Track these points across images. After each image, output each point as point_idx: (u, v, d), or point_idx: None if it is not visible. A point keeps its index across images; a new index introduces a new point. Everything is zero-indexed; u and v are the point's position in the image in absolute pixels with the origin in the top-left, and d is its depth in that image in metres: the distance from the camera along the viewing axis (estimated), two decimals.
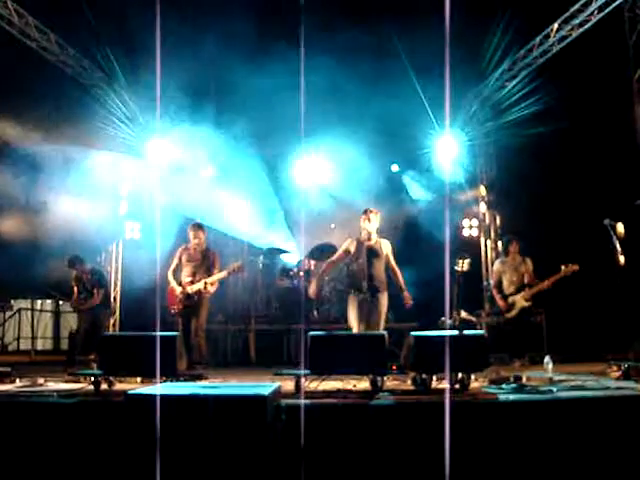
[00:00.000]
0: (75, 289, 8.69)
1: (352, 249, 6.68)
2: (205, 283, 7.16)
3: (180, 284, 7.33)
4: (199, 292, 7.24)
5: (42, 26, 9.37)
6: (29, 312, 11.47)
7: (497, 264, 8.47)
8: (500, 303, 8.07)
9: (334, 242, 10.06)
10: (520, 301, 7.97)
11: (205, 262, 7.38)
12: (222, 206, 11.13)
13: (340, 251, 6.86)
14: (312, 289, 6.87)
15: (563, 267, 7.69)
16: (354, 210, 11.32)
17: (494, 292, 8.21)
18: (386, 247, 6.74)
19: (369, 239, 6.66)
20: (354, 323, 6.54)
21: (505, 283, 8.15)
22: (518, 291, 8.01)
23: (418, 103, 10.17)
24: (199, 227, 7.52)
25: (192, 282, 7.25)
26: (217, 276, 7.28)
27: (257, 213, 11.58)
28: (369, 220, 6.63)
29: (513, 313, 7.98)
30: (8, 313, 11.50)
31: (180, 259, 7.46)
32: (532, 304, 8.06)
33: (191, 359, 7.06)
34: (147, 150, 11.27)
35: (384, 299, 6.59)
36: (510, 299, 8.02)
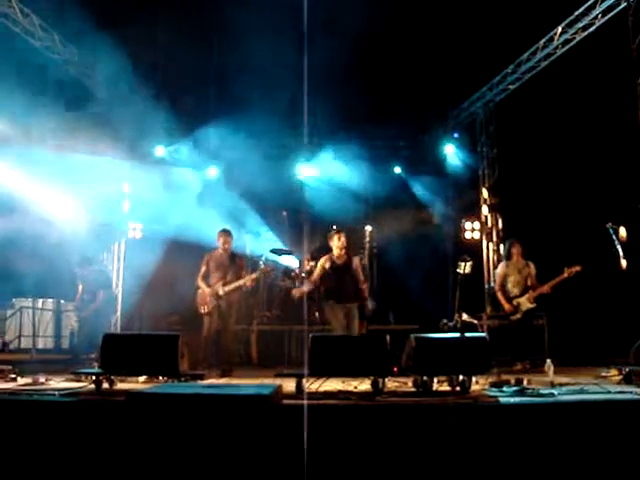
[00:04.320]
0: (80, 288, 8.76)
1: (327, 266, 7.37)
2: (251, 279, 7.55)
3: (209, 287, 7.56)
4: (230, 294, 7.46)
5: (46, 25, 9.39)
6: (30, 310, 11.46)
7: (501, 267, 8.48)
8: (505, 306, 8.07)
9: None
10: (525, 303, 7.98)
11: (233, 266, 7.60)
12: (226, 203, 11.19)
13: (318, 270, 7.49)
14: (298, 292, 7.81)
15: (566, 269, 7.70)
16: (356, 212, 11.46)
17: (499, 295, 8.19)
18: (355, 262, 7.42)
19: (339, 257, 7.37)
20: (336, 327, 7.26)
21: (509, 285, 8.16)
22: (522, 293, 8.02)
23: (422, 106, 10.19)
24: (229, 233, 7.72)
25: (224, 284, 7.47)
26: (254, 275, 7.65)
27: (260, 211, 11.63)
28: (339, 239, 7.35)
29: (518, 315, 7.98)
30: (9, 311, 11.49)
31: (207, 265, 7.63)
32: (537, 306, 8.06)
33: (216, 359, 7.29)
34: (153, 152, 11.35)
35: (355, 308, 7.31)
36: (515, 301, 8.03)
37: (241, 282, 7.50)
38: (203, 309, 7.56)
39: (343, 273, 7.31)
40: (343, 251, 7.36)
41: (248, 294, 10.77)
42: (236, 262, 7.66)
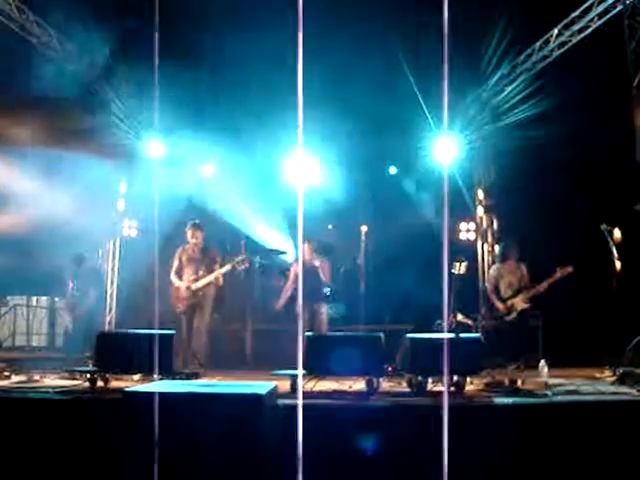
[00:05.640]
0: (70, 285, 8.74)
1: (297, 270, 8.04)
2: (220, 273, 7.39)
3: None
4: (202, 289, 7.35)
5: (43, 22, 9.34)
6: (24, 308, 11.44)
7: (493, 269, 8.52)
8: (500, 306, 8.08)
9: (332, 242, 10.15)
10: (519, 303, 8.00)
11: (205, 259, 7.51)
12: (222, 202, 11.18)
13: (292, 275, 8.27)
14: (279, 304, 8.36)
15: (558, 269, 7.73)
16: (351, 212, 11.47)
17: (492, 297, 8.21)
18: (321, 265, 8.00)
19: (308, 262, 7.95)
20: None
21: (502, 287, 8.17)
22: (516, 294, 8.04)
23: (416, 105, 10.18)
24: (197, 227, 7.61)
25: (196, 280, 7.31)
26: (223, 269, 7.43)
27: (255, 210, 11.60)
28: (308, 248, 7.98)
29: (513, 315, 8.01)
30: (3, 309, 11.46)
31: (180, 260, 7.55)
32: (531, 305, 8.08)
33: (188, 356, 7.14)
34: (146, 147, 11.31)
35: (322, 308, 8.03)
36: (509, 302, 8.04)
37: (211, 277, 7.39)
38: (178, 308, 7.50)
39: (310, 275, 7.80)
40: (310, 256, 7.97)
41: (243, 293, 10.77)
42: (208, 256, 7.56)
